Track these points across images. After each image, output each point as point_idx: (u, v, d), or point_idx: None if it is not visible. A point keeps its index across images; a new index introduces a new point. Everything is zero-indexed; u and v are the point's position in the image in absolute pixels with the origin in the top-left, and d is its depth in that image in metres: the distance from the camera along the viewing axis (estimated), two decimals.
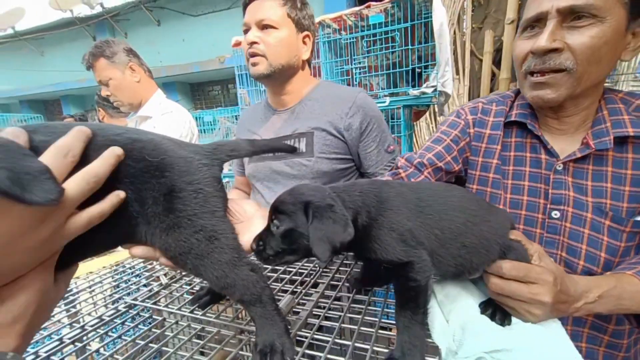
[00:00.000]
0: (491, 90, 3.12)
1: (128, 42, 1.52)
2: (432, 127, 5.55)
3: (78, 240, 0.34)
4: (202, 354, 0.49)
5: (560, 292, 0.48)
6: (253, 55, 0.95)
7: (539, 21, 0.63)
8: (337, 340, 0.47)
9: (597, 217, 0.62)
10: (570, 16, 0.59)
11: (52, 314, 0.63)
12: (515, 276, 0.48)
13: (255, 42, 0.93)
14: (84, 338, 0.54)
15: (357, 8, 2.05)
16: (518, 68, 0.69)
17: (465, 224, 0.50)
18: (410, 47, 1.93)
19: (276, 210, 0.46)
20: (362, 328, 0.50)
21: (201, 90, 7.57)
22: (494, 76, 3.97)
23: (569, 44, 0.59)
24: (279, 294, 0.63)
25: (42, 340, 0.53)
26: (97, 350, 0.49)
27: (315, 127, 0.95)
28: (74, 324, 0.57)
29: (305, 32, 0.99)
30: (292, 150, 0.49)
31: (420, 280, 0.44)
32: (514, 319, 0.47)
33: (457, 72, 5.82)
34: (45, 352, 0.48)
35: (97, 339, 0.55)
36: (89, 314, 0.60)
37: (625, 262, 0.61)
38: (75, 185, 0.31)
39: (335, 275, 0.69)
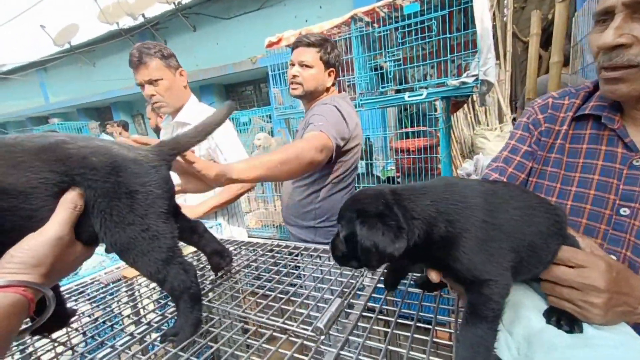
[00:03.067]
0: (538, 75, 2.87)
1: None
2: (471, 118, 5.26)
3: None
4: (253, 352, 0.51)
5: (617, 282, 0.45)
6: (293, 82, 1.42)
7: (607, 14, 0.58)
8: (390, 348, 0.47)
9: None
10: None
11: (120, 311, 0.70)
12: (560, 258, 0.47)
13: (296, 75, 1.40)
14: (147, 337, 0.58)
15: None
16: (595, 62, 0.65)
17: (550, 226, 0.48)
18: (448, 35, 1.83)
19: (339, 215, 0.48)
20: (415, 335, 0.49)
21: (235, 91, 7.82)
22: (540, 59, 3.66)
23: (639, 38, 0.55)
24: (325, 295, 0.64)
25: (116, 334, 0.59)
26: (164, 348, 0.53)
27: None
28: (141, 320, 0.62)
29: (331, 68, 1.41)
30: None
31: (501, 301, 0.42)
32: (588, 332, 0.43)
33: (498, 57, 5.44)
34: (120, 345, 0.53)
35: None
36: (154, 312, 0.65)
37: None
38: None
39: (381, 278, 0.68)
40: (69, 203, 0.44)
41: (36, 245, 0.41)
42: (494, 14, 5.41)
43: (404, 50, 2.06)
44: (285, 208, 1.56)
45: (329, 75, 1.42)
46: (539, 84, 3.00)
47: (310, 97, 1.45)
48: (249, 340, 0.54)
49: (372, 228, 0.41)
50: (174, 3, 6.69)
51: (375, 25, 2.16)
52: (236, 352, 0.50)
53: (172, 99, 1.49)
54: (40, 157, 0.43)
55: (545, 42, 3.77)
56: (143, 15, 7.32)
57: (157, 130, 3.67)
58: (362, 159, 2.64)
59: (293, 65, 1.41)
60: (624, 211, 0.62)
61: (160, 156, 0.52)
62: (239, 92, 7.79)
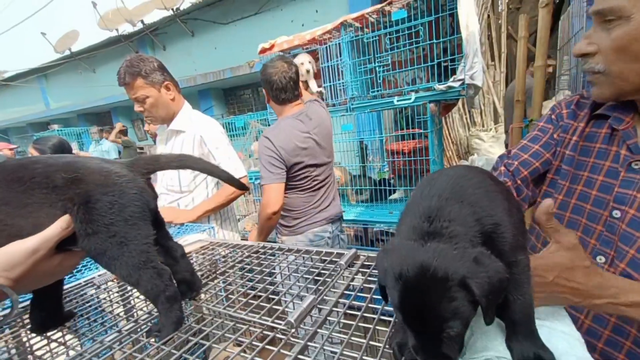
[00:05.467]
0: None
1: (167, 54, 1.63)
2: (466, 119, 5.31)
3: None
4: (244, 351, 0.55)
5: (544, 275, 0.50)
6: None
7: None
8: (353, 338, 0.51)
9: None
10: (602, 18, 0.59)
11: (112, 309, 0.74)
12: None
13: None
14: (138, 330, 0.63)
15: (379, 5, 2.05)
16: None
17: None
18: (435, 41, 1.88)
19: (440, 319, 0.36)
20: (377, 327, 0.54)
21: (234, 95, 7.90)
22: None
23: (600, 47, 0.60)
24: (302, 293, 0.69)
25: (105, 330, 0.63)
26: (148, 341, 0.58)
27: None
28: (129, 318, 0.66)
29: (264, 89, 1.67)
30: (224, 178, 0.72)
31: None
32: None
33: (493, 58, 5.49)
34: (109, 340, 0.58)
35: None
36: (141, 309, 0.69)
37: None
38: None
39: (355, 276, 0.73)
40: (60, 222, 0.49)
41: (13, 251, 0.46)
42: (488, 15, 5.47)
43: (393, 55, 2.11)
44: None
45: (267, 95, 1.67)
46: (509, 90, 3.08)
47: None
48: (227, 335, 0.58)
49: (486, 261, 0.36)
50: (172, 9, 6.78)
51: (366, 30, 2.22)
52: (214, 345, 0.55)
53: (159, 113, 1.56)
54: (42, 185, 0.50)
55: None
56: (142, 22, 7.41)
57: (154, 136, 3.74)
58: (357, 162, 2.69)
59: None
60: (616, 213, 0.62)
61: (131, 170, 0.56)
62: (238, 95, 7.86)
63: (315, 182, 1.69)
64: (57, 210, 0.50)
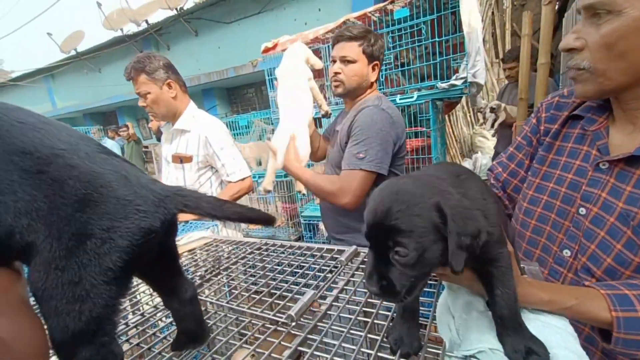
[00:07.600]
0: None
1: (171, 54, 1.65)
2: (470, 117, 5.28)
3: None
4: (247, 343, 0.57)
5: None
6: (335, 81, 1.34)
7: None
8: (352, 332, 0.53)
9: (619, 224, 0.59)
10: (592, 12, 0.57)
11: None
12: None
13: (337, 73, 1.31)
14: (145, 323, 0.65)
15: (381, 4, 2.05)
16: None
17: None
18: (437, 39, 1.88)
19: (393, 232, 0.37)
20: (376, 320, 0.55)
21: (237, 94, 7.92)
22: None
23: (587, 42, 0.59)
24: (302, 288, 0.70)
25: None
26: (154, 334, 0.60)
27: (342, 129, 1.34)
28: (135, 311, 0.69)
29: (375, 62, 1.32)
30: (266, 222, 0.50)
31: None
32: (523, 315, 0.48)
33: (497, 56, 5.45)
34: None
35: (153, 324, 0.66)
36: (147, 303, 0.71)
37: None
38: None
39: (355, 272, 0.74)
40: None
41: None
42: (493, 12, 5.42)
43: (395, 54, 2.11)
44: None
45: (373, 69, 1.32)
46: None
47: (353, 94, 1.36)
48: (230, 328, 0.60)
49: (463, 222, 0.36)
50: (176, 9, 6.81)
51: None
52: (217, 337, 0.56)
53: (159, 110, 1.60)
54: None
55: None
56: (146, 22, 7.46)
57: (158, 133, 3.78)
58: None
59: (334, 61, 1.33)
60: (582, 211, 0.66)
61: (163, 203, 0.39)
62: (241, 94, 7.89)
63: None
64: None
